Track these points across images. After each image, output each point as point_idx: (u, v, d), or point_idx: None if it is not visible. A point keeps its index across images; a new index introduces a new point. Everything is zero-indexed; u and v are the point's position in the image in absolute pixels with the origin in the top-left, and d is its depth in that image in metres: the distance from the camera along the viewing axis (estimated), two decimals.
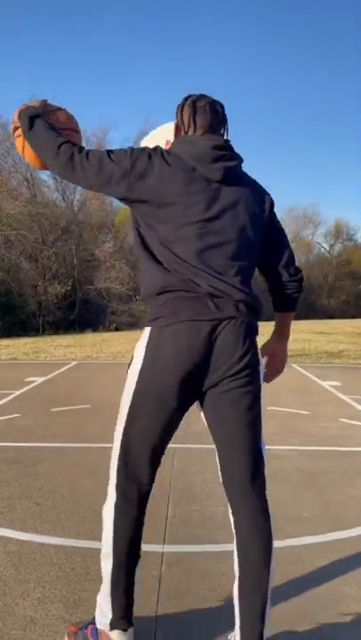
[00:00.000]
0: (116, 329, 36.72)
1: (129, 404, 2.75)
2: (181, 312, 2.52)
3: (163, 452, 2.82)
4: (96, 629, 2.73)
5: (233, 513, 2.82)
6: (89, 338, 24.93)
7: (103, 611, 2.71)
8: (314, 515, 4.60)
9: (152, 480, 2.79)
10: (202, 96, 2.69)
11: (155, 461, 2.79)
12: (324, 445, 6.77)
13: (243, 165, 2.70)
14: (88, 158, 2.60)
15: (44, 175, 48.09)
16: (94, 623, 2.76)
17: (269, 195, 2.77)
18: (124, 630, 2.67)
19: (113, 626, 2.66)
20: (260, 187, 2.77)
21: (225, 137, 2.69)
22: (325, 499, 4.97)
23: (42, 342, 22.46)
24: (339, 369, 14.14)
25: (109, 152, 2.63)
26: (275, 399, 9.46)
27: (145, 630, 3.02)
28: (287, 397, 9.69)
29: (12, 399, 9.65)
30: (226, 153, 2.59)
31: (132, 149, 2.64)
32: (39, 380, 11.85)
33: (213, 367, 2.57)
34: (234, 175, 2.61)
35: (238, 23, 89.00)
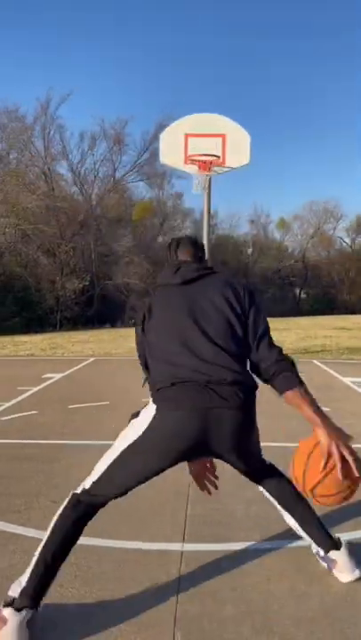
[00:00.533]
0: (135, 325, 36.81)
1: (131, 442, 3.16)
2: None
3: (137, 485, 3.30)
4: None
5: (264, 488, 3.66)
6: (107, 333, 24.97)
7: (20, 581, 3.04)
8: (338, 513, 4.58)
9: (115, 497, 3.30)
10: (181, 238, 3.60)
11: (128, 490, 3.31)
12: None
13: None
14: None
15: (62, 168, 48.33)
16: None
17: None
18: (18, 610, 2.95)
19: (16, 602, 2.96)
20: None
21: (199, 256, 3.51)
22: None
23: (59, 338, 22.53)
24: (360, 365, 14.08)
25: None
26: None
27: (165, 631, 3.03)
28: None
29: (29, 396, 9.69)
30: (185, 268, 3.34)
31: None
32: (57, 376, 11.89)
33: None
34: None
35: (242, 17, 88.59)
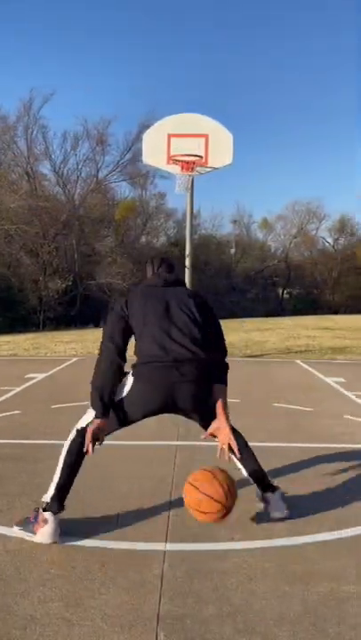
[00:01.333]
0: None
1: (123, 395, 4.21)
2: None
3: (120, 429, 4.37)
4: (37, 518, 4.11)
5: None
6: (90, 334, 24.88)
7: (50, 495, 4.16)
8: (320, 513, 4.59)
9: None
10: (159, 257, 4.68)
11: (112, 432, 4.33)
12: (329, 442, 6.76)
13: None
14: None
15: (45, 169, 48.23)
16: (34, 514, 4.17)
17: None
18: (55, 513, 4.09)
19: (52, 507, 4.10)
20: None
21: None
22: (331, 497, 4.96)
23: (42, 338, 22.45)
24: (343, 365, 14.14)
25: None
26: (278, 396, 9.46)
27: (147, 630, 3.03)
28: (291, 394, 9.68)
29: (12, 396, 9.65)
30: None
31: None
32: (40, 376, 11.85)
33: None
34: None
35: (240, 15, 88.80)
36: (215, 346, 4.29)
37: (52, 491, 4.17)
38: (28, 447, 6.53)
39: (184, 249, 14.95)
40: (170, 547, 3.99)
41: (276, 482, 4.70)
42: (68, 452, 4.25)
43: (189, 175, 14.47)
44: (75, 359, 15.14)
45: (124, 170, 50.83)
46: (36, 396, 9.61)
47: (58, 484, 4.17)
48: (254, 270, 65.03)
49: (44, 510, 4.08)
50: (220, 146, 14.33)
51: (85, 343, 19.37)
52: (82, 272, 43.32)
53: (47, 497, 4.16)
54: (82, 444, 4.18)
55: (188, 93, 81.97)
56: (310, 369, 13.12)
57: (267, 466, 4.71)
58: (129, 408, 4.18)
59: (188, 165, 14.32)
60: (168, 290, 4.34)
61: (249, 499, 4.59)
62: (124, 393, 4.18)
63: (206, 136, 14.26)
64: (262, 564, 3.75)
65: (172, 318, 4.18)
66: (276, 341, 19.21)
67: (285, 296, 67.40)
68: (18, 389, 10.26)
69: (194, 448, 6.36)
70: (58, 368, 13.23)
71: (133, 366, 4.21)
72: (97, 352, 4.34)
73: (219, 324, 4.39)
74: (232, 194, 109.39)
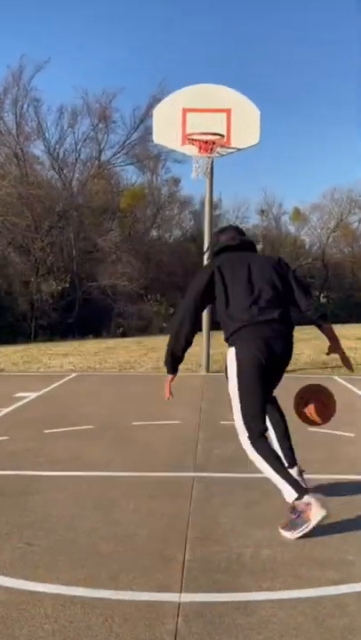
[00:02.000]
0: (123, 334, 36.72)
1: (236, 381, 5.28)
2: None
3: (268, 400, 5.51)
4: (298, 511, 4.91)
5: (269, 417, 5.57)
6: (90, 345, 24.94)
7: (288, 492, 4.97)
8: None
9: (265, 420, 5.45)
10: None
11: (263, 406, 5.38)
12: None
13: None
14: None
15: (37, 149, 48.29)
16: (294, 511, 4.96)
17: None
18: (308, 494, 4.95)
19: (301, 494, 4.93)
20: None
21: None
22: None
23: (34, 350, 22.51)
24: None
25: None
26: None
27: None
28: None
29: None
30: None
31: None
32: (31, 395, 11.89)
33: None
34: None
35: None
36: (303, 301, 5.54)
37: (283, 486, 5.03)
38: (16, 479, 6.56)
39: (202, 245, 14.99)
40: (185, 597, 3.99)
41: (309, 522, 4.71)
42: (263, 457, 5.15)
43: (208, 157, 14.50)
44: (73, 375, 15.17)
45: (131, 151, 50.88)
46: (26, 420, 9.64)
47: (282, 477, 5.06)
48: None
49: (297, 500, 4.91)
50: (245, 123, 14.35)
51: (85, 356, 19.41)
52: (81, 272, 43.40)
53: (288, 495, 5.00)
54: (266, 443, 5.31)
55: (206, 62, 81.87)
56: (352, 387, 13.06)
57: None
58: (249, 378, 5.23)
59: (206, 146, 14.34)
60: (247, 255, 5.64)
61: (276, 542, 4.59)
62: (236, 366, 5.26)
63: (228, 111, 14.27)
64: (295, 617, 3.74)
65: (256, 283, 5.37)
66: (311, 354, 19.13)
67: (322, 300, 67.18)
68: (5, 411, 10.30)
69: (214, 480, 6.36)
70: (52, 386, 13.26)
71: (227, 338, 5.40)
72: (168, 322, 5.20)
73: (299, 278, 5.69)
74: (259, 180, 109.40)
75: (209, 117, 14.24)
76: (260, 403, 5.26)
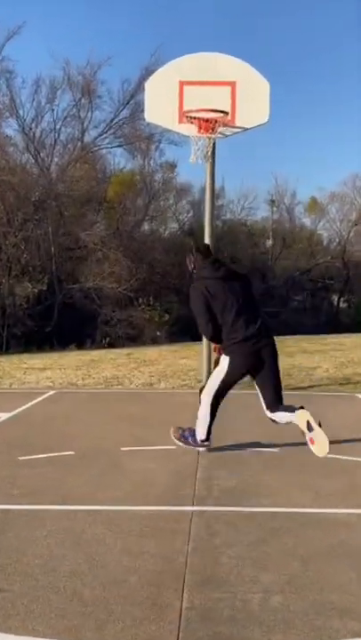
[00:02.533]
0: (110, 345, 36.68)
1: (223, 377, 8.57)
2: None
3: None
4: (194, 438, 8.74)
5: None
6: (72, 357, 24.92)
7: (202, 431, 8.64)
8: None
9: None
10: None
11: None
12: None
13: None
14: None
15: (10, 128, 48.04)
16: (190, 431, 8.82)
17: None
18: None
19: (208, 440, 8.71)
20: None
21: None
22: None
23: (6, 364, 22.50)
24: None
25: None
26: (335, 443, 9.43)
27: None
28: (349, 441, 9.65)
29: None
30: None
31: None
32: (2, 416, 11.89)
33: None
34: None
35: None
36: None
37: (202, 424, 8.66)
38: None
39: (202, 240, 14.95)
40: None
41: (326, 567, 4.69)
42: (211, 404, 8.60)
43: (209, 138, 14.47)
44: (51, 392, 15.15)
45: (119, 131, 50.74)
46: None
47: (207, 420, 8.65)
48: (299, 270, 64.85)
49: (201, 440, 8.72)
50: (253, 98, 14.29)
51: (66, 371, 19.39)
52: (61, 272, 43.33)
53: (200, 433, 8.68)
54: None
55: (208, 27, 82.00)
56: None
57: (314, 541, 4.70)
58: (232, 378, 8.58)
59: (207, 125, 14.30)
60: (227, 282, 8.55)
61: (289, 587, 4.58)
62: (227, 367, 8.45)
63: (233, 84, 14.22)
64: None
65: (241, 306, 8.43)
66: (330, 368, 19.14)
67: (342, 305, 67.12)
68: None
69: (215, 516, 6.37)
70: (28, 405, 13.24)
71: (223, 348, 8.58)
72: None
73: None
74: (269, 165, 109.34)
75: (210, 91, 14.18)
76: (228, 391, 8.69)
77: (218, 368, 8.62)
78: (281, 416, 8.58)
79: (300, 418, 8.33)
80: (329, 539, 5.77)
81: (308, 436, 8.31)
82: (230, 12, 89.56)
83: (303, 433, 8.33)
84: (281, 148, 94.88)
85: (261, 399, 8.68)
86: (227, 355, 8.48)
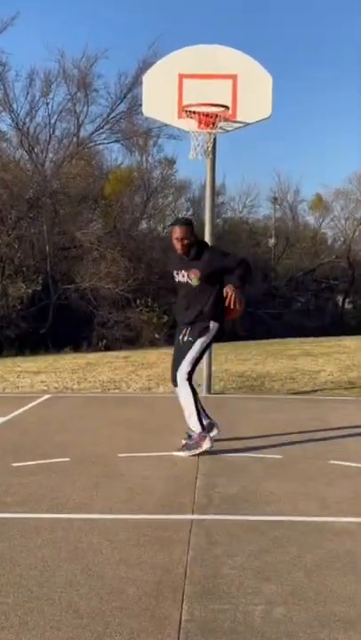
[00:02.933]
0: (107, 347, 36.67)
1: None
2: None
3: None
4: (194, 438, 8.87)
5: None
6: (67, 360, 24.90)
7: (195, 424, 8.83)
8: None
9: None
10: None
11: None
12: None
13: None
14: None
15: (3, 123, 48.02)
16: (191, 438, 8.99)
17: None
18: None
19: (204, 430, 8.87)
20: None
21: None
22: None
23: (0, 367, 22.52)
24: None
25: None
26: (336, 450, 9.42)
27: None
28: (355, 448, 9.65)
29: None
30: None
31: None
32: None
33: None
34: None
35: None
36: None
37: (194, 418, 8.82)
38: None
39: (202, 238, 14.95)
40: None
41: (330, 577, 4.69)
42: (192, 393, 8.96)
43: (210, 133, 14.48)
44: (46, 396, 15.14)
45: (116, 126, 50.79)
46: None
47: (196, 412, 8.84)
48: (303, 270, 64.85)
49: (200, 433, 8.81)
50: (255, 92, 14.28)
51: (61, 374, 19.37)
52: (56, 272, 43.33)
53: (194, 426, 8.85)
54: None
55: (208, 20, 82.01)
56: None
57: (318, 550, 4.69)
58: (209, 345, 9.59)
59: (207, 119, 14.30)
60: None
61: (292, 598, 4.58)
62: (212, 335, 9.14)
63: (234, 77, 14.21)
64: None
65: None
66: (334, 371, 19.13)
67: (347, 307, 67.13)
68: None
69: (216, 524, 6.36)
70: (22, 409, 13.23)
71: (213, 316, 9.07)
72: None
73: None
74: (271, 161, 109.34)
75: (211, 85, 14.16)
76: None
77: (203, 335, 9.06)
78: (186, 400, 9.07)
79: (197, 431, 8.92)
80: (334, 548, 5.77)
81: (185, 441, 9.06)
82: (231, 3, 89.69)
83: (187, 434, 9.10)
84: (283, 143, 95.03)
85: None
86: (216, 322, 9.10)
